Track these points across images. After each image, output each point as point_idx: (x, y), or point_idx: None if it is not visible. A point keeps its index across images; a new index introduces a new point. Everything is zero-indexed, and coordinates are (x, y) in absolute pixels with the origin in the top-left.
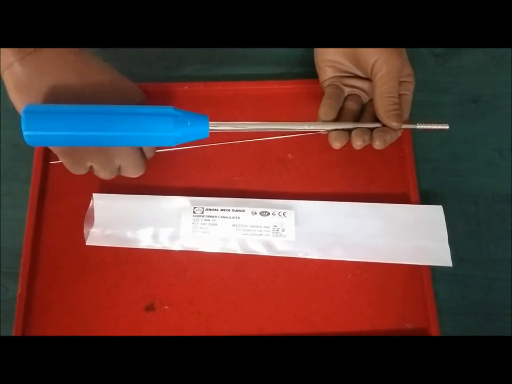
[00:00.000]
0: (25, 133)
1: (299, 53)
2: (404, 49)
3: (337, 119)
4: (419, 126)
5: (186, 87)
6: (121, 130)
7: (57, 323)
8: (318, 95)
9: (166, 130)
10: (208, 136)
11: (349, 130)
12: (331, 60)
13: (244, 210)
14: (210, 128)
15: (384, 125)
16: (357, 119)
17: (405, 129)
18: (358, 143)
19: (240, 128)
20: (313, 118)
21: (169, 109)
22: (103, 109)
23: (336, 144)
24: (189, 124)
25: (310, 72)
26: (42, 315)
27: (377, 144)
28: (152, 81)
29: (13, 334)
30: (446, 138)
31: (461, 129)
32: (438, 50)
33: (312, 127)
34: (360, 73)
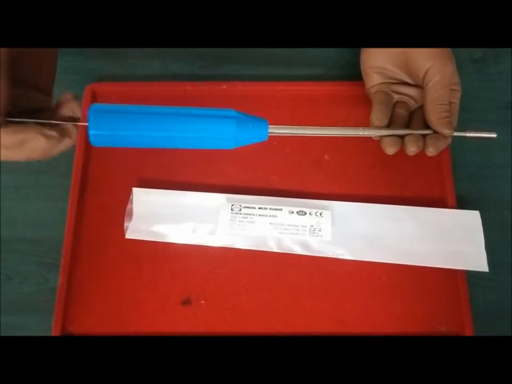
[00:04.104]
0: (91, 132)
1: (336, 55)
2: (453, 58)
3: (388, 126)
4: (468, 134)
5: (225, 86)
6: (185, 132)
7: (96, 314)
8: (353, 97)
9: (228, 132)
10: (266, 140)
11: (401, 137)
12: (379, 67)
13: (281, 209)
14: (269, 131)
15: (435, 132)
16: (407, 125)
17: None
18: (412, 149)
19: (298, 133)
20: (350, 120)
21: (231, 111)
22: (167, 109)
23: (390, 150)
24: (250, 126)
25: (346, 74)
26: (81, 306)
27: (431, 151)
28: (190, 80)
29: (53, 323)
30: (482, 144)
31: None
32: (476, 56)
33: (367, 132)
34: (408, 80)
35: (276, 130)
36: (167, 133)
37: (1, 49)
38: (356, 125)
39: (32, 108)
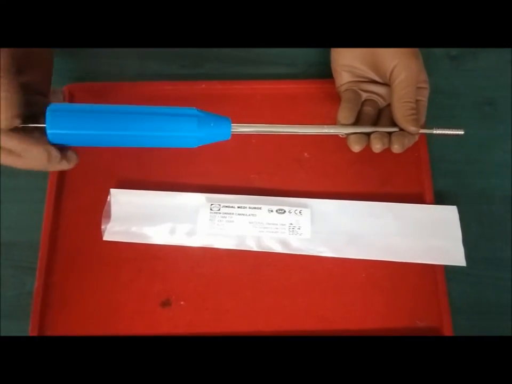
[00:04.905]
0: (49, 131)
1: (315, 54)
2: (420, 56)
3: (355, 123)
4: (435, 131)
5: (204, 85)
6: (145, 130)
7: (74, 318)
8: (333, 96)
9: (189, 130)
10: (229, 138)
11: (368, 134)
12: (348, 65)
13: (260, 208)
14: (232, 130)
15: (401, 129)
16: (374, 123)
17: (422, 134)
18: (377, 146)
19: (261, 130)
20: (329, 118)
21: (192, 110)
22: (127, 108)
23: (356, 147)
24: (211, 124)
25: (325, 72)
26: (58, 309)
27: (396, 148)
28: (170, 79)
29: (29, 327)
30: (461, 140)
31: (475, 131)
32: (453, 52)
33: (332, 130)
34: (377, 78)
35: (239, 128)
36: (128, 132)
37: (4, 52)
38: (336, 122)
39: (35, 113)
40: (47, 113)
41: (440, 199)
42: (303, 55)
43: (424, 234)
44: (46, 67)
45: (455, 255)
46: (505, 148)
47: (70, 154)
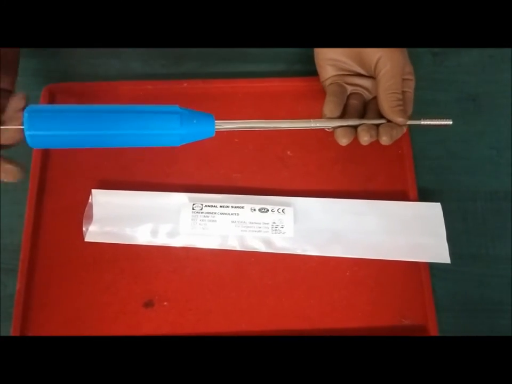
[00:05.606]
0: (27, 133)
1: (298, 51)
2: (405, 48)
3: (341, 117)
4: (423, 122)
5: (186, 84)
6: (126, 129)
7: (56, 319)
8: (317, 93)
9: (172, 128)
10: (214, 135)
11: (355, 127)
12: (332, 59)
13: (243, 207)
14: (216, 127)
15: (389, 121)
16: (361, 116)
17: (408, 126)
18: (365, 138)
19: (246, 126)
20: (313, 115)
21: (174, 107)
22: (107, 107)
23: (343, 140)
24: (195, 122)
25: (309, 69)
26: (41, 311)
27: (384, 140)
28: (151, 78)
29: (11, 330)
30: (444, 136)
31: (459, 127)
32: (436, 49)
33: (318, 124)
34: (361, 71)
35: (223, 125)
36: (109, 131)
37: None
38: (321, 117)
39: None
40: (25, 115)
41: (424, 196)
42: (286, 52)
43: (408, 232)
44: (11, 69)
45: (440, 252)
46: (488, 144)
47: (10, 168)
